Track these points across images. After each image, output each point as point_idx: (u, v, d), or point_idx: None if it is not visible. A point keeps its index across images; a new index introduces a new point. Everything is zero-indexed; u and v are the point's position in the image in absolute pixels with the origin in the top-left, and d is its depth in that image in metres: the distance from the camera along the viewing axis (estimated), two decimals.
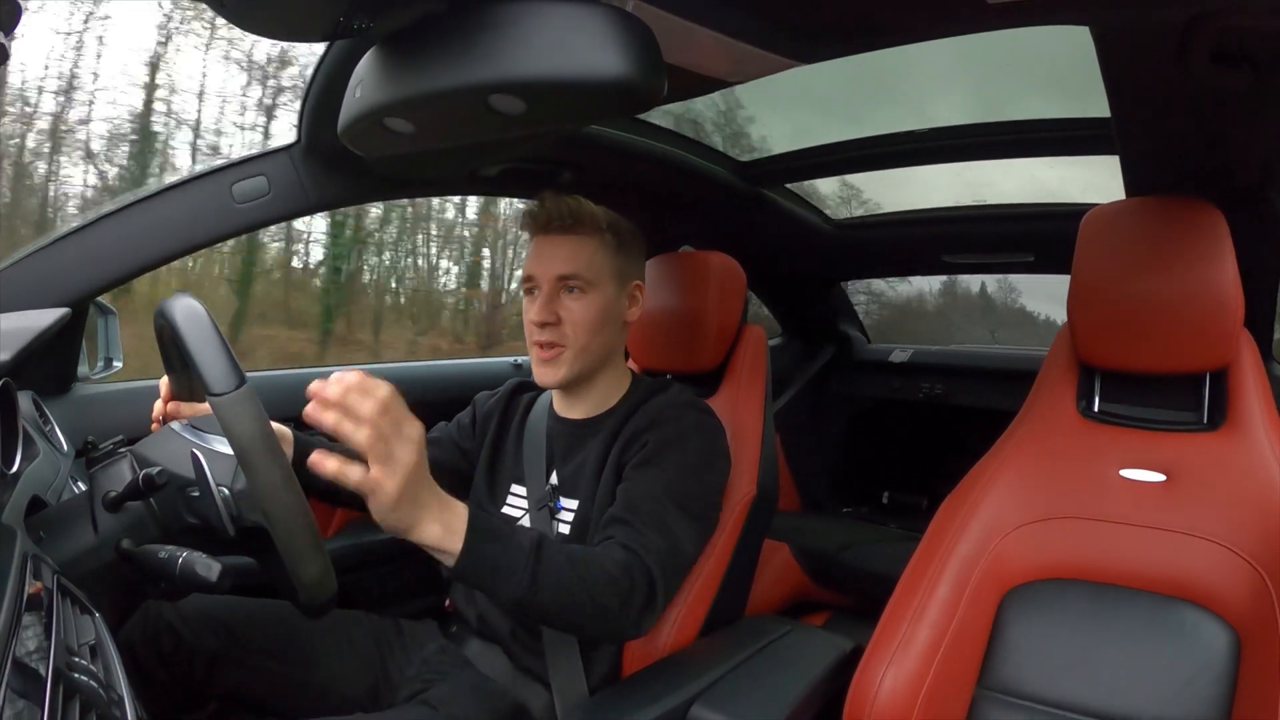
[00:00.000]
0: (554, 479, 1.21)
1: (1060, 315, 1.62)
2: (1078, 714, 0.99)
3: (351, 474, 0.76)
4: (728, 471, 1.20)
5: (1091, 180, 1.87)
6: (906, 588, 1.09)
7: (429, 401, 1.89)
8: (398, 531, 0.81)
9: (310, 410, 0.76)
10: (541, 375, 1.18)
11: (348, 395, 0.75)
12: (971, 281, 4.23)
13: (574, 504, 1.17)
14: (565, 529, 1.16)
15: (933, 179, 2.23)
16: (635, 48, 0.62)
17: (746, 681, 1.03)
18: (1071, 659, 1.02)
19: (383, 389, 0.76)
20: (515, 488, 1.24)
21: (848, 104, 1.87)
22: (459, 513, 0.86)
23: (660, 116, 1.73)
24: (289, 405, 1.64)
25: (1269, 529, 0.97)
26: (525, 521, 1.19)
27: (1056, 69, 1.40)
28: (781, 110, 1.97)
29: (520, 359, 2.20)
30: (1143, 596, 1.02)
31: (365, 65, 0.76)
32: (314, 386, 0.76)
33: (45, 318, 1.14)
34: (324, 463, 0.76)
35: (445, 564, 0.86)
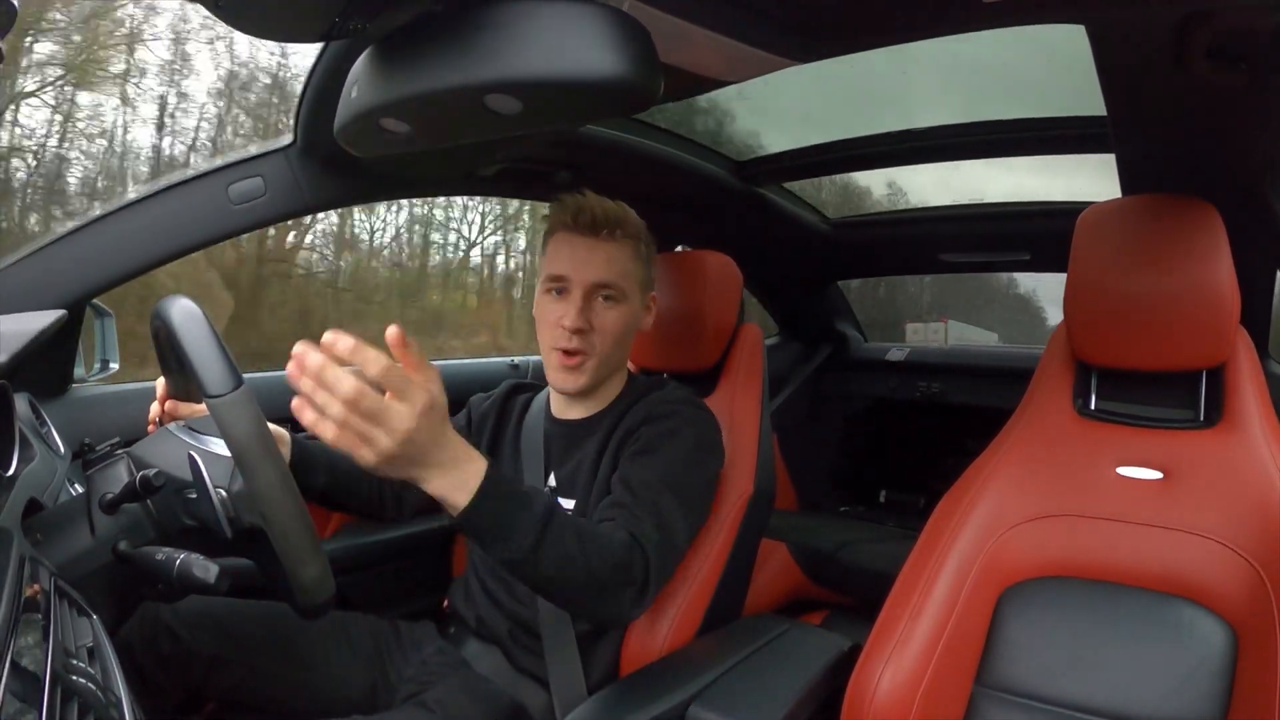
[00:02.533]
0: (552, 480, 1.21)
1: None
2: (1075, 711, 0.99)
3: (327, 431, 0.75)
4: (721, 465, 1.20)
5: (1076, 188, 1.88)
6: (904, 586, 1.09)
7: None
8: (397, 477, 0.80)
9: (295, 404, 0.75)
10: (562, 381, 1.16)
11: (317, 393, 0.74)
12: None
13: (571, 504, 1.17)
14: None
15: (922, 187, 2.24)
16: (631, 47, 0.62)
17: (744, 681, 1.03)
18: (1069, 656, 1.02)
19: (345, 384, 0.73)
20: None
21: (842, 108, 1.88)
22: (474, 470, 0.84)
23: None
24: (286, 406, 1.64)
25: (1266, 526, 0.97)
26: None
27: (1045, 73, 1.41)
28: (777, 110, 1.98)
29: (517, 359, 2.19)
30: (1140, 594, 1.02)
31: (361, 65, 0.76)
32: (291, 371, 0.75)
33: (42, 320, 1.13)
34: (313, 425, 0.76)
35: (445, 508, 0.85)
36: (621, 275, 1.15)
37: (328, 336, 0.74)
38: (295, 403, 0.76)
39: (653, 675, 1.05)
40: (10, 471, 0.81)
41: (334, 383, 0.73)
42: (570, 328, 1.13)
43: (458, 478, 0.83)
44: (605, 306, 1.15)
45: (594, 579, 0.94)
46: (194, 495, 0.85)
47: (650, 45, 0.64)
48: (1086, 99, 1.23)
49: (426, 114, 0.74)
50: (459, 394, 1.46)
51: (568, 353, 1.14)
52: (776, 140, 1.97)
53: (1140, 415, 1.13)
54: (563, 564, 0.91)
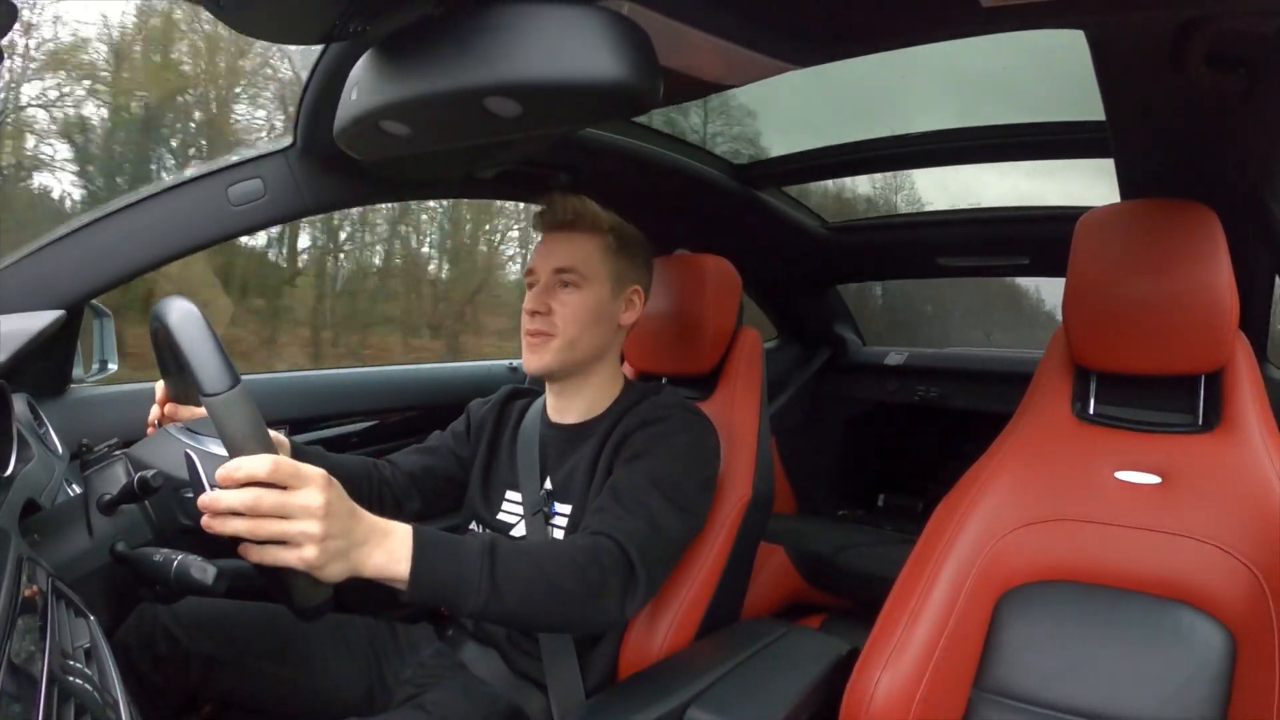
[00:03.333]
0: (548, 484, 1.21)
1: None
2: (1074, 716, 0.99)
3: (264, 556, 0.75)
4: (716, 469, 1.20)
5: (1073, 192, 1.89)
6: (902, 590, 1.09)
7: (426, 405, 1.90)
8: (342, 577, 0.79)
9: (205, 522, 0.75)
10: (528, 361, 1.20)
11: (218, 501, 0.74)
12: None
13: (567, 509, 1.17)
14: (559, 534, 1.16)
15: (920, 192, 2.25)
16: (630, 51, 0.62)
17: (743, 684, 1.03)
18: (1067, 661, 1.02)
19: (252, 468, 0.74)
20: (510, 494, 1.24)
21: (840, 112, 1.89)
22: (402, 535, 0.84)
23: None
24: (284, 409, 1.65)
25: (1264, 530, 0.97)
26: (521, 527, 1.19)
27: (1043, 78, 1.42)
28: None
29: (516, 362, 2.19)
30: (1138, 598, 1.02)
31: (361, 68, 0.76)
32: (201, 500, 0.75)
33: (40, 320, 1.14)
34: (246, 555, 0.76)
35: (398, 590, 0.84)
36: (582, 262, 1.19)
37: (219, 473, 0.75)
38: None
39: (651, 678, 1.05)
40: (8, 472, 0.81)
41: (230, 502, 0.73)
42: (528, 309, 1.18)
43: (390, 546, 0.83)
44: (566, 291, 1.19)
45: (564, 591, 0.93)
46: (191, 495, 0.85)
47: (649, 48, 0.64)
48: (1085, 104, 1.23)
49: (426, 117, 0.74)
50: (458, 398, 1.46)
51: (531, 333, 1.18)
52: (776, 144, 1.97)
53: (1139, 420, 1.12)
54: (525, 588, 0.90)
